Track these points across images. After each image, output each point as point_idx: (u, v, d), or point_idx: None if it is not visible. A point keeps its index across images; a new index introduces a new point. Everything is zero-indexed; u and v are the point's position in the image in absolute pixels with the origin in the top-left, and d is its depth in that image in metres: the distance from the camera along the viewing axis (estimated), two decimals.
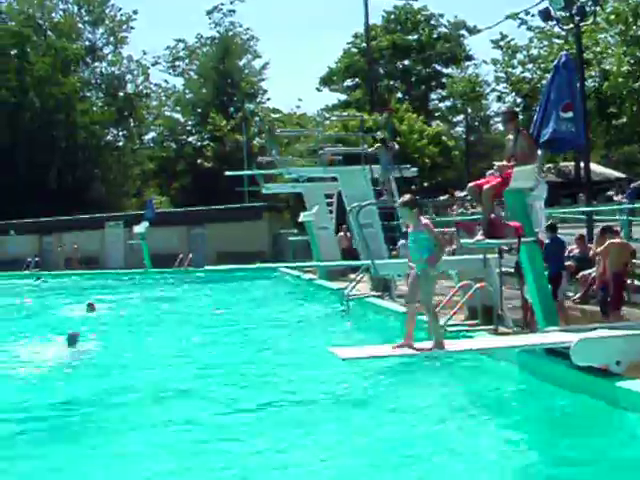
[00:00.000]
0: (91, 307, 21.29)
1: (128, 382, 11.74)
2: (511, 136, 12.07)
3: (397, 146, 27.54)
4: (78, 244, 49.35)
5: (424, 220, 9.95)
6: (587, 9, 25.91)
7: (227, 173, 32.21)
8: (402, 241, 21.17)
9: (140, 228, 39.45)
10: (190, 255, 40.53)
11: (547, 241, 14.01)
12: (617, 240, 13.93)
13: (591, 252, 14.71)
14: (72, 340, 14.75)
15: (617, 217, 26.78)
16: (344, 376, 11.10)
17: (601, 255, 14.16)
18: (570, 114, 11.04)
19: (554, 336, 10.14)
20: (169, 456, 8.14)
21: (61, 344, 14.66)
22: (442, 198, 39.05)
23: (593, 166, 47.53)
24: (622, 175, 54.48)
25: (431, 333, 9.85)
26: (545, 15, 25.40)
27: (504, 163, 12.13)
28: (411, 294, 9.93)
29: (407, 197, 10.22)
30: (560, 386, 9.84)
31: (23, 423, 9.51)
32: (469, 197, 14.13)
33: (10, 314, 23.29)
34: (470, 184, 12.97)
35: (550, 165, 51.89)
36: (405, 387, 11.04)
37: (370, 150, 26.63)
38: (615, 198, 36.89)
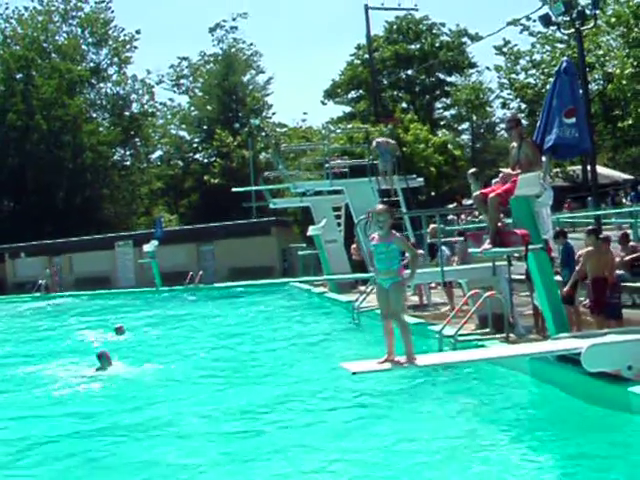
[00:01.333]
0: (119, 330, 20.84)
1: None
2: (515, 143, 12.05)
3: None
4: (89, 263, 49.64)
5: (393, 231, 9.68)
6: (587, 13, 25.93)
7: (234, 189, 32.30)
8: None
9: (150, 247, 39.57)
10: (200, 272, 40.58)
11: (561, 247, 13.95)
12: (592, 248, 13.79)
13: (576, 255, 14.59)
14: (102, 359, 14.86)
15: (626, 220, 26.76)
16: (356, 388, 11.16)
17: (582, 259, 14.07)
18: (573, 120, 11.04)
19: (564, 343, 10.08)
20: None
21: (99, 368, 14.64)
22: (450, 207, 39.06)
23: (600, 169, 47.44)
24: (630, 177, 54.39)
25: (406, 346, 9.49)
26: (546, 20, 25.41)
27: (509, 171, 12.12)
28: (384, 309, 9.56)
29: (384, 206, 10.04)
30: (572, 393, 9.81)
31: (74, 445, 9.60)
32: (475, 206, 14.07)
33: (36, 337, 23.27)
34: (476, 193, 12.97)
35: (557, 170, 51.82)
36: (418, 398, 11.02)
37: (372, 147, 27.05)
38: (624, 201, 36.85)
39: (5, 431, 10.69)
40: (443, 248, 21.02)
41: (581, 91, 22.10)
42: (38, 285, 48.24)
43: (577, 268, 13.69)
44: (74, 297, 42.54)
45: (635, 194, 35.95)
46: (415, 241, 24.50)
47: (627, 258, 17.67)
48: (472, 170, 17.23)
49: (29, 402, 12.45)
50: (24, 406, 12.19)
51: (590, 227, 16.27)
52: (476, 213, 29.52)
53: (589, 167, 33.52)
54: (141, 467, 8.60)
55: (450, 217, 35.04)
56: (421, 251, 21.04)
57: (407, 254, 9.78)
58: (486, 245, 12.18)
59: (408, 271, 9.51)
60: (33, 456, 9.29)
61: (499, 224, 12.00)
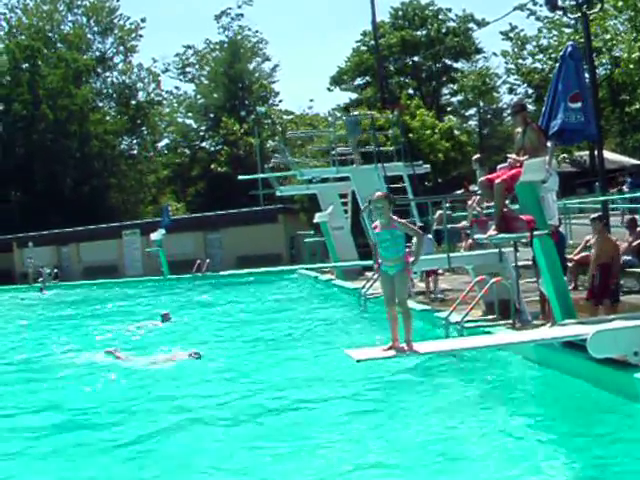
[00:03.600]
0: (165, 317, 20.71)
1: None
2: (520, 129, 12.01)
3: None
4: (96, 252, 49.89)
5: (394, 217, 9.64)
6: None
7: (240, 177, 32.27)
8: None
9: (157, 235, 39.65)
10: (208, 260, 40.61)
11: None
12: (601, 232, 13.84)
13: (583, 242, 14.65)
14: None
15: (633, 205, 26.65)
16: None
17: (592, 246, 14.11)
18: (579, 104, 10.97)
19: (570, 329, 10.05)
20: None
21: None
22: (458, 192, 38.94)
23: (608, 154, 47.21)
24: (638, 162, 54.13)
25: (407, 333, 9.44)
26: (552, 5, 25.20)
27: (515, 157, 12.08)
28: (389, 296, 9.56)
29: (383, 192, 10.04)
30: (578, 379, 9.78)
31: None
32: (480, 192, 14.01)
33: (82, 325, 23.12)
34: (481, 178, 12.93)
35: (565, 155, 51.61)
36: (424, 385, 11.01)
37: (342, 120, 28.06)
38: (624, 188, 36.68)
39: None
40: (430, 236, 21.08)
41: (587, 76, 22.00)
42: (47, 274, 48.36)
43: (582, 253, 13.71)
44: (80, 287, 42.71)
45: (631, 180, 35.82)
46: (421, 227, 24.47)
47: (635, 243, 17.61)
48: (477, 156, 17.21)
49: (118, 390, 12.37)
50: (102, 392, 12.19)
51: (595, 214, 16.26)
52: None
53: (596, 152, 33.34)
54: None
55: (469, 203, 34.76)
56: (430, 236, 21.07)
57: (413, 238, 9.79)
58: (491, 231, 12.15)
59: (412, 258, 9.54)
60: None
61: (504, 210, 11.97)
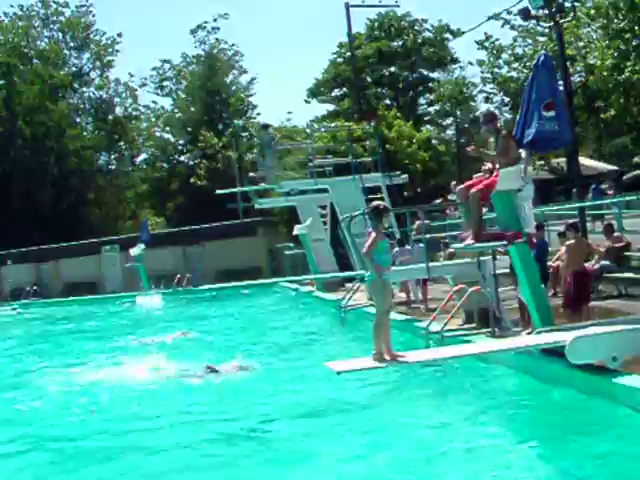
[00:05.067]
0: (185, 334, 20.38)
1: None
2: (492, 138, 12.09)
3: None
4: (76, 269, 49.71)
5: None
6: (567, 5, 25.96)
7: (218, 192, 32.26)
8: (397, 249, 21.14)
9: (136, 250, 39.49)
10: (187, 275, 40.48)
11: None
12: (572, 240, 13.93)
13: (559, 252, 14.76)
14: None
15: (610, 211, 26.89)
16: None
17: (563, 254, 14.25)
18: (552, 113, 11.06)
19: (549, 336, 10.11)
20: None
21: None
22: (437, 202, 39.09)
23: (585, 160, 47.61)
24: (615, 168, 54.58)
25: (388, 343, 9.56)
26: (525, 14, 25.42)
27: (490, 165, 12.17)
28: (390, 305, 9.76)
29: (381, 203, 10.07)
30: (558, 386, 9.83)
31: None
32: (457, 201, 14.06)
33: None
34: (458, 187, 12.99)
35: (542, 162, 51.93)
36: (406, 395, 11.02)
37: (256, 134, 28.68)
38: (609, 192, 37.02)
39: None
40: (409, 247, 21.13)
41: (561, 83, 22.17)
42: (27, 292, 48.07)
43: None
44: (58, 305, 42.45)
45: (595, 187, 36.18)
46: (401, 237, 24.57)
47: (612, 248, 17.78)
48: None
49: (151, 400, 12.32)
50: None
51: (569, 221, 16.41)
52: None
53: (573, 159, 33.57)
54: None
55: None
56: (408, 246, 21.15)
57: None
58: (469, 240, 12.20)
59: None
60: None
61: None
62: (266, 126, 32.86)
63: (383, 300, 9.66)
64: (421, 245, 19.78)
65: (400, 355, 9.50)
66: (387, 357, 9.37)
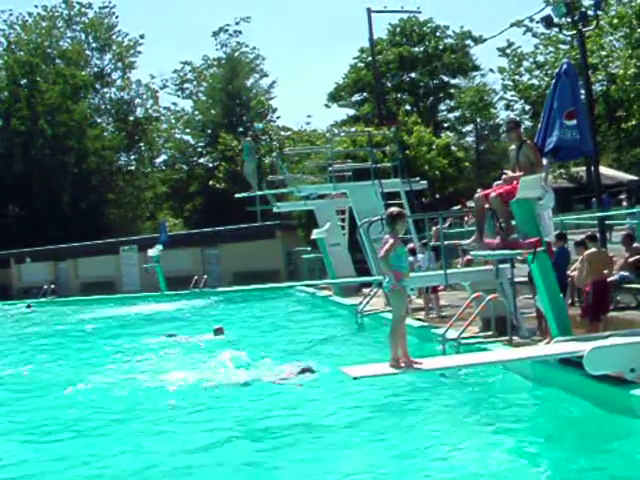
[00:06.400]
0: (219, 331, 20.21)
1: None
2: (514, 146, 12.06)
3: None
4: (94, 268, 50.08)
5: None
6: (590, 14, 25.85)
7: (237, 195, 32.32)
8: (425, 254, 21.14)
9: (154, 251, 39.64)
10: (205, 276, 40.60)
11: (555, 250, 13.89)
12: (593, 249, 13.84)
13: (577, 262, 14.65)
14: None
15: (627, 221, 26.73)
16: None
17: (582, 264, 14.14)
18: (574, 122, 11.02)
19: (567, 346, 10.06)
20: None
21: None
22: (454, 209, 39.02)
23: (605, 170, 47.45)
24: (635, 177, 54.25)
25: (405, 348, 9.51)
26: (548, 22, 25.39)
27: (511, 173, 12.12)
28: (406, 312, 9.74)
29: (396, 209, 9.96)
30: (575, 396, 9.77)
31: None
32: (473, 208, 13.99)
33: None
34: (477, 194, 12.94)
35: (562, 171, 51.73)
36: (420, 402, 10.99)
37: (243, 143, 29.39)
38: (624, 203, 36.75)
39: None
40: (420, 256, 21.07)
41: (583, 92, 22.09)
42: (44, 290, 48.38)
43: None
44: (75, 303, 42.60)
45: (604, 198, 35.85)
46: (420, 244, 24.55)
47: (631, 259, 17.65)
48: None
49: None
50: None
51: (588, 232, 16.32)
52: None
53: (592, 168, 33.41)
54: None
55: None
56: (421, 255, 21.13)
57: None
58: (497, 240, 12.17)
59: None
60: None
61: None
62: (245, 135, 34.23)
63: (401, 306, 9.63)
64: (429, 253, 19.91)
65: (416, 362, 9.48)
66: (402, 364, 9.34)
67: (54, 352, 20.42)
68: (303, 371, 13.37)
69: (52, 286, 49.26)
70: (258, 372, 13.83)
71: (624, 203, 39.16)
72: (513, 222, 12.04)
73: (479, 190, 13.13)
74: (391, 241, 9.41)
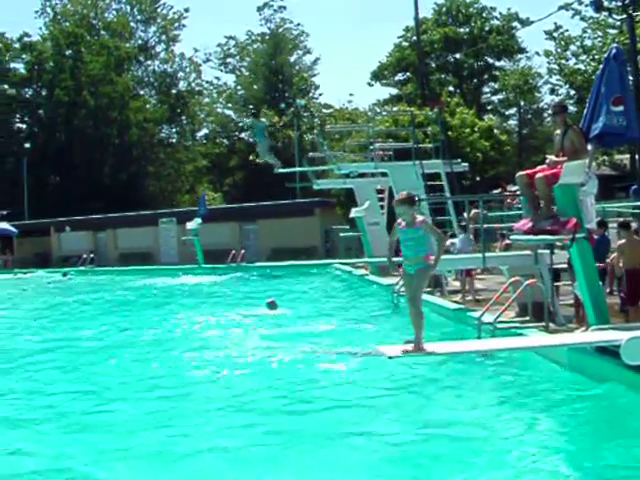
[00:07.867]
0: (272, 304, 20.38)
1: None
2: (559, 130, 11.89)
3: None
4: (133, 239, 50.60)
5: (420, 217, 9.56)
6: None
7: (277, 170, 32.34)
8: (461, 236, 21.01)
9: (193, 224, 39.86)
10: (243, 251, 40.76)
11: (596, 237, 13.73)
12: (629, 239, 13.68)
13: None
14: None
15: None
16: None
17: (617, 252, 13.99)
18: (621, 108, 10.84)
19: (604, 334, 9.97)
20: None
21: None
22: (494, 192, 38.79)
23: None
24: None
25: (417, 333, 9.35)
26: (597, 5, 25.06)
27: (554, 158, 11.97)
28: (410, 295, 9.51)
29: (405, 194, 9.86)
30: (610, 385, 9.70)
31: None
32: (518, 189, 13.81)
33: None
34: (519, 173, 12.77)
35: (605, 158, 51.11)
36: (453, 386, 10.97)
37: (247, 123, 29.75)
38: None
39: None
40: (454, 241, 20.91)
41: (631, 78, 21.77)
42: (83, 259, 48.86)
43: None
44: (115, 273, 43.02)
45: (636, 189, 35.07)
46: (458, 226, 24.45)
47: None
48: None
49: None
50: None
51: (622, 220, 16.11)
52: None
53: (637, 156, 32.96)
54: None
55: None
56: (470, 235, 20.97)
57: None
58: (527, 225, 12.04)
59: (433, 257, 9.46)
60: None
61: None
62: (256, 115, 34.06)
63: (422, 287, 9.59)
64: (470, 236, 19.77)
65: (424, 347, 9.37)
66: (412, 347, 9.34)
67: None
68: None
69: (91, 255, 49.75)
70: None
71: None
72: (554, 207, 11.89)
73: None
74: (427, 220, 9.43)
